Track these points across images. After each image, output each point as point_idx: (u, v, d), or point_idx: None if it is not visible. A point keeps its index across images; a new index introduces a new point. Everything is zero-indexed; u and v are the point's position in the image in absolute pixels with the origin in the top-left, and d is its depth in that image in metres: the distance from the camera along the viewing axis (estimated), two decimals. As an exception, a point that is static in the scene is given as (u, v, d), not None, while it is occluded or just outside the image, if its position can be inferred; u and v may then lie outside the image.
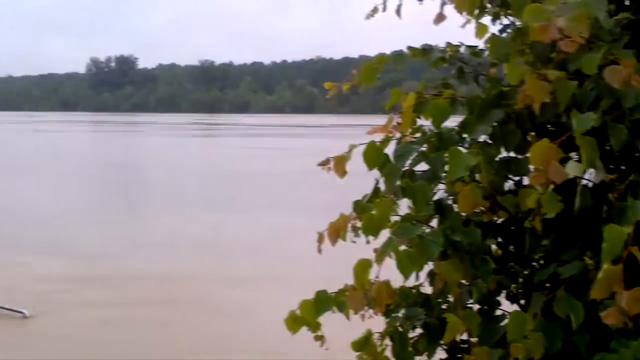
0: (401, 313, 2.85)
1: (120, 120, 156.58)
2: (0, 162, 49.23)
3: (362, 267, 2.35)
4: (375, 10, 3.67)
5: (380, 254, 2.30)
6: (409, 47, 3.29)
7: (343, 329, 3.03)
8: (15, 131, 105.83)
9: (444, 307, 2.76)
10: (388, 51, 3.18)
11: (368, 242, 2.56)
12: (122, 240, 21.98)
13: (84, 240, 21.74)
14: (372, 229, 2.47)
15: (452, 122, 2.66)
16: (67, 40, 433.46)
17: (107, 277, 17.02)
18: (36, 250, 20.02)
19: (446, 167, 2.42)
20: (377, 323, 2.87)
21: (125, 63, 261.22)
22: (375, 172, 2.69)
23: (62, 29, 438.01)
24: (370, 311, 2.62)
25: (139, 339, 12.74)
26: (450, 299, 2.74)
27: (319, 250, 2.92)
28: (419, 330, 2.80)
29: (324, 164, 2.86)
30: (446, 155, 2.39)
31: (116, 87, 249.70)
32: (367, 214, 2.53)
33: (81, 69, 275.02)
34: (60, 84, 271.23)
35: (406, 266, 2.26)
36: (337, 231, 2.83)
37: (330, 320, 2.83)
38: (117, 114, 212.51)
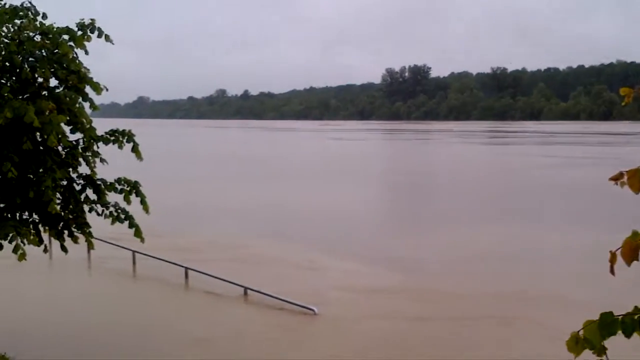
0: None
1: (412, 129, 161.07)
2: (304, 169, 53.36)
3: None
4: None
5: None
6: None
7: None
8: (316, 139, 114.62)
9: None
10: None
11: None
12: (440, 252, 21.51)
13: (393, 248, 21.89)
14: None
15: None
16: (364, 52, 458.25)
17: (417, 289, 16.67)
18: (341, 254, 20.93)
19: None
20: None
21: (419, 72, 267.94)
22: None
23: (361, 42, 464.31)
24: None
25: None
26: None
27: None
28: None
29: (616, 178, 2.58)
30: None
31: (409, 96, 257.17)
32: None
33: (377, 79, 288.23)
34: (356, 94, 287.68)
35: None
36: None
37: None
38: (409, 122, 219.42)
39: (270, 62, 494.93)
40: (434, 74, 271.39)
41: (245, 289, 16.00)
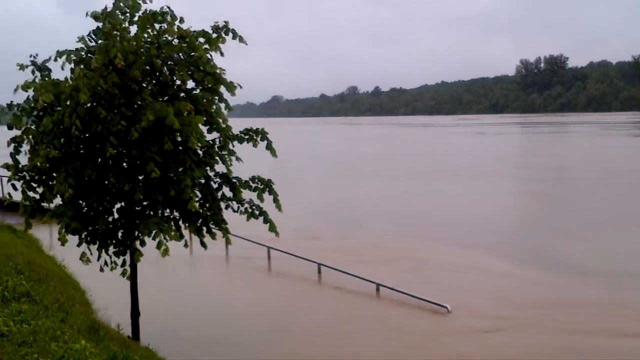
0: None
1: (550, 121, 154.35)
2: (453, 166, 52.09)
3: None
4: None
5: None
6: None
7: None
8: (457, 134, 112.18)
9: None
10: None
11: None
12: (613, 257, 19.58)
13: (567, 252, 20.36)
14: None
15: None
16: (498, 45, 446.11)
17: (588, 303, 15.07)
18: (494, 255, 20.23)
19: None
20: None
21: (555, 63, 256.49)
22: None
23: (494, 34, 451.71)
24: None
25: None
26: None
27: None
28: None
29: None
30: None
31: (544, 88, 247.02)
32: None
33: (511, 71, 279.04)
34: (489, 87, 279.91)
35: None
36: None
37: None
38: (545, 115, 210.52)
39: (401, 58, 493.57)
40: (571, 64, 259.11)
41: (378, 285, 15.95)
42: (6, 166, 9.32)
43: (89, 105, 8.90)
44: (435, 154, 66.78)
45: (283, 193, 10.60)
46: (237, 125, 10.68)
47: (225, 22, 9.87)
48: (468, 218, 27.18)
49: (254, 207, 10.26)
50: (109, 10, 9.18)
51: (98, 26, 9.23)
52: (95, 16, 9.11)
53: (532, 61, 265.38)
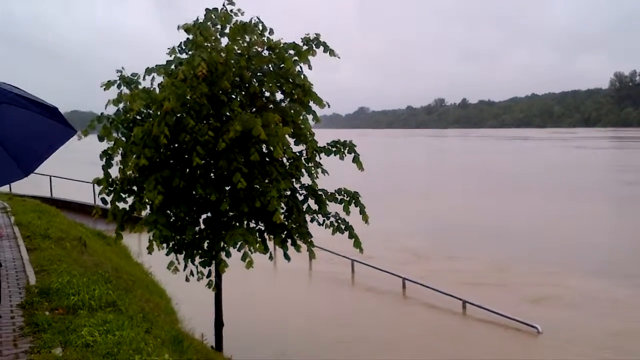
0: None
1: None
2: (558, 181, 49.67)
3: None
4: None
5: None
6: None
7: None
8: (555, 147, 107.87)
9: None
10: None
11: None
12: None
13: None
14: None
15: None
16: (591, 57, 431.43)
17: None
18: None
19: None
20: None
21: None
22: None
23: (587, 46, 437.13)
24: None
25: None
26: None
27: None
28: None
29: None
30: None
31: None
32: None
33: (604, 84, 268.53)
34: (581, 100, 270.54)
35: None
36: None
37: None
38: (638, 130, 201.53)
39: (490, 70, 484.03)
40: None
41: (464, 302, 15.47)
42: (97, 181, 9.50)
43: (178, 115, 8.97)
44: (536, 168, 64.23)
45: (374, 206, 10.37)
46: (323, 136, 10.55)
47: (316, 34, 9.78)
48: (583, 240, 25.60)
49: (339, 221, 10.09)
50: (200, 22, 9.26)
51: (188, 38, 9.31)
52: (187, 29, 9.19)
53: (627, 74, 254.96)
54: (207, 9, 9.32)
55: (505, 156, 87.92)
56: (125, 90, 9.40)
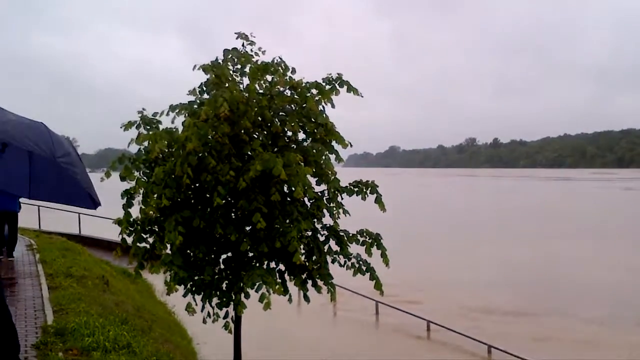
0: None
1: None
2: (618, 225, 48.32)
3: None
4: None
5: None
6: None
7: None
8: (603, 189, 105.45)
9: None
10: None
11: None
12: None
13: None
14: None
15: None
16: (625, 97, 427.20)
17: None
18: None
19: None
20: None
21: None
22: None
23: (621, 86, 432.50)
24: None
25: None
26: None
27: None
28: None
29: None
30: None
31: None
32: None
33: (638, 125, 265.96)
34: (615, 140, 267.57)
35: None
36: None
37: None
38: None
39: (522, 110, 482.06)
40: None
41: (489, 347, 15.11)
42: (117, 221, 9.48)
43: (200, 154, 8.96)
44: (599, 210, 62.51)
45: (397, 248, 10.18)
46: (353, 174, 10.42)
47: (339, 74, 9.75)
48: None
49: (360, 262, 9.91)
50: (219, 61, 9.31)
51: (208, 78, 9.35)
52: (205, 69, 9.23)
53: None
54: (225, 50, 9.36)
55: (557, 197, 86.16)
56: (143, 130, 9.43)
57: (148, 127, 9.45)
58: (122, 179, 9.35)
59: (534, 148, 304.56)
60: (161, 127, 9.48)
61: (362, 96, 9.85)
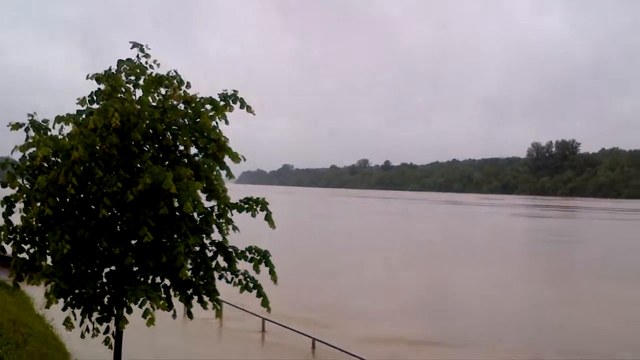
0: None
1: (565, 205, 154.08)
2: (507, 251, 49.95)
3: None
4: None
5: None
6: None
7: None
8: (493, 214, 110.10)
9: None
10: None
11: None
12: None
13: None
14: None
15: None
16: (510, 127, 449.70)
17: None
18: None
19: None
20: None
21: (567, 148, 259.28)
22: None
23: (513, 116, 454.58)
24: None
25: None
26: None
27: None
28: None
29: None
30: None
31: (555, 172, 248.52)
32: None
33: (523, 153, 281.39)
34: (501, 168, 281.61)
35: None
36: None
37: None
38: (555, 198, 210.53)
39: (414, 134, 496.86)
40: (583, 149, 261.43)
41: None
42: None
43: (86, 164, 8.74)
44: (483, 235, 64.92)
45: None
46: (246, 191, 10.42)
47: (234, 90, 9.79)
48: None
49: (248, 279, 9.93)
50: (112, 71, 9.16)
51: (99, 88, 9.17)
52: (97, 78, 9.06)
53: (544, 145, 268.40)
54: (119, 60, 9.23)
55: (450, 221, 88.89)
56: (31, 133, 9.11)
57: (36, 131, 9.13)
58: (4, 185, 8.98)
59: (423, 172, 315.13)
60: (50, 134, 9.19)
61: (254, 114, 9.96)
